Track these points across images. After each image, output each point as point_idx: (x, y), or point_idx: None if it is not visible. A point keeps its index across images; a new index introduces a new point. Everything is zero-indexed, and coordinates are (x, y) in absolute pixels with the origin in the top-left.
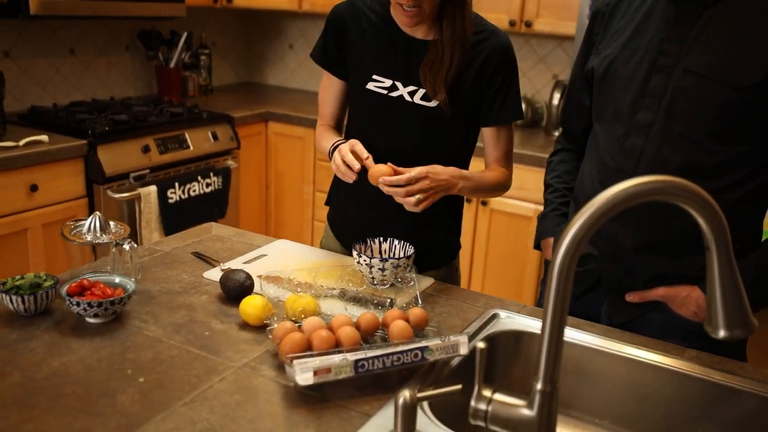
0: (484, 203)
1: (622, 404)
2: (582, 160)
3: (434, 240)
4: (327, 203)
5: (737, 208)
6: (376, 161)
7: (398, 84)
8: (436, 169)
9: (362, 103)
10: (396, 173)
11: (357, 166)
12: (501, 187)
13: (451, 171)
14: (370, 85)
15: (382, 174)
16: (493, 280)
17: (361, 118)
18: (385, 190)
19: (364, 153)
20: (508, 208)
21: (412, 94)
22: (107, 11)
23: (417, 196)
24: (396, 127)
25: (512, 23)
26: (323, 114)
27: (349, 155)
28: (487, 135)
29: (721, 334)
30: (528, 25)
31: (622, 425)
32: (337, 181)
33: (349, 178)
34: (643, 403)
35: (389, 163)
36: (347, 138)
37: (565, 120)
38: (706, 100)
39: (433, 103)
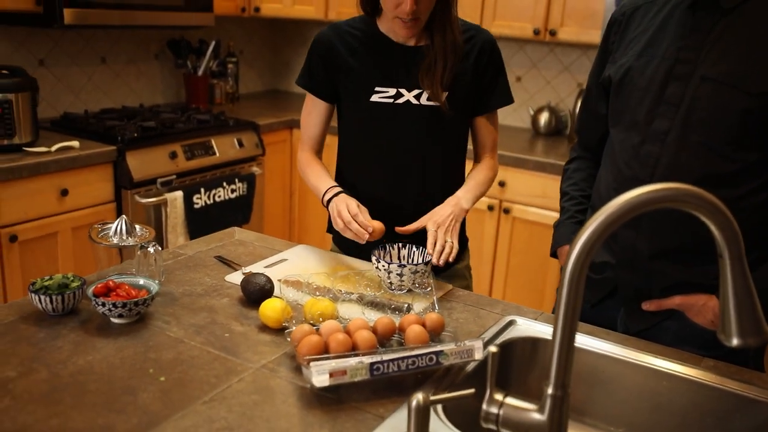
0: (507, 211)
1: (637, 412)
2: (597, 168)
3: None
4: (329, 231)
5: (756, 215)
6: (383, 171)
7: (403, 91)
8: (437, 212)
9: (364, 117)
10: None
11: (366, 236)
12: (492, 180)
13: (450, 203)
14: (375, 98)
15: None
16: (515, 288)
17: (361, 133)
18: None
19: (368, 227)
20: (531, 216)
21: (418, 97)
22: (138, 21)
23: (445, 246)
24: (401, 131)
25: (536, 32)
26: (308, 137)
27: (354, 224)
28: (480, 124)
29: (735, 342)
30: (552, 33)
31: None
32: None
33: (363, 239)
34: (658, 412)
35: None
36: (342, 156)
37: (581, 128)
38: (724, 108)
39: (438, 103)
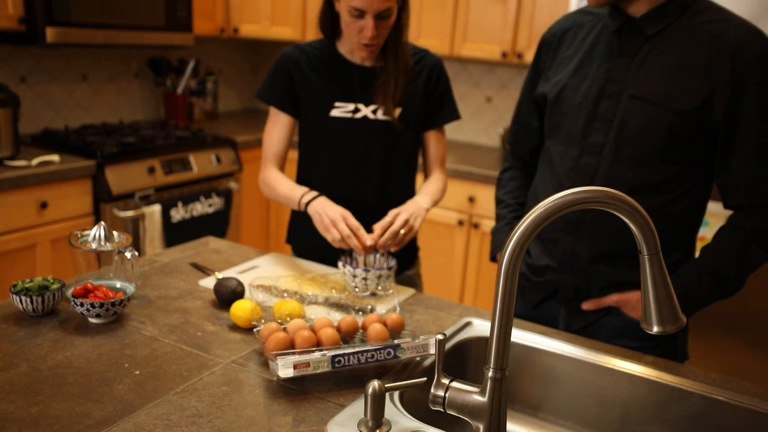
0: (476, 226)
1: (584, 406)
2: (530, 177)
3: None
4: (288, 241)
5: (678, 220)
6: (343, 181)
7: (360, 106)
8: (400, 209)
9: (324, 131)
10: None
11: (367, 243)
12: (443, 191)
13: (412, 203)
14: (335, 112)
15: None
16: (486, 301)
17: (322, 146)
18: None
19: (366, 241)
20: None
21: (375, 112)
22: (119, 40)
23: (401, 232)
24: (361, 144)
25: (504, 54)
26: (272, 153)
27: (353, 239)
28: (430, 138)
29: (655, 329)
30: (519, 56)
31: (584, 426)
32: (296, 219)
33: (359, 251)
34: (602, 405)
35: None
36: (303, 169)
37: (514, 140)
38: (652, 124)
39: (391, 118)
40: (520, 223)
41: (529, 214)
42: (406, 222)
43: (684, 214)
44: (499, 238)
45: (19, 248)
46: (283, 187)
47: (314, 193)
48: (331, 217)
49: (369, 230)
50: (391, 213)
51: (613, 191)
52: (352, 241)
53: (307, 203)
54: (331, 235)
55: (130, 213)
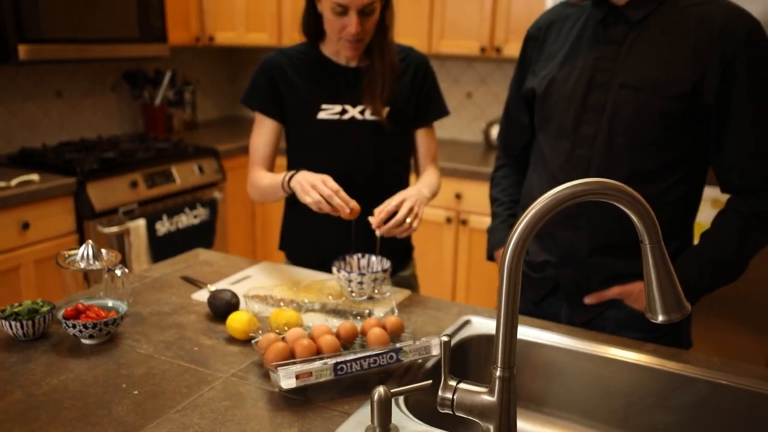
0: (464, 222)
1: (587, 398)
2: (522, 174)
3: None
4: (282, 248)
5: (676, 208)
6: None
7: (347, 107)
8: (404, 194)
9: (312, 134)
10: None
11: (347, 211)
12: (438, 185)
13: (414, 188)
14: (321, 114)
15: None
16: (477, 297)
17: (310, 149)
18: (383, 230)
19: (350, 202)
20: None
21: (362, 112)
22: (93, 54)
23: (408, 220)
24: (350, 146)
25: (483, 50)
26: (259, 158)
27: (335, 198)
28: (421, 136)
29: (660, 318)
30: (498, 50)
31: (588, 417)
32: (289, 224)
33: (344, 213)
34: (606, 396)
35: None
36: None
37: (505, 138)
38: (643, 112)
39: (379, 118)
40: (519, 221)
41: (528, 210)
42: (410, 209)
43: (680, 201)
44: (495, 237)
45: (3, 271)
46: (267, 179)
47: (295, 171)
48: (310, 181)
49: (364, 229)
50: (396, 197)
51: (611, 182)
52: (334, 200)
53: (289, 180)
54: (311, 197)
55: (114, 229)
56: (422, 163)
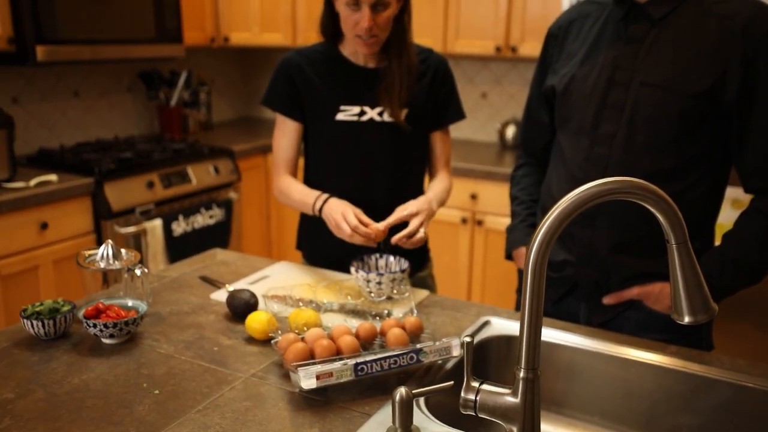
0: (480, 223)
1: (609, 400)
2: (543, 173)
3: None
4: (299, 247)
5: (697, 207)
6: (351, 185)
7: (366, 108)
8: (415, 209)
9: (331, 136)
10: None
11: (373, 235)
12: (449, 191)
13: (423, 199)
14: (340, 116)
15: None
16: (493, 297)
17: (328, 151)
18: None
19: (371, 234)
20: (503, 226)
21: (381, 114)
22: (109, 55)
23: (420, 232)
24: (368, 148)
25: (498, 49)
26: (283, 160)
27: (356, 236)
28: (436, 139)
29: (687, 319)
30: (513, 50)
31: (610, 420)
32: (306, 224)
33: (370, 242)
34: (629, 398)
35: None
36: (310, 174)
37: (525, 137)
38: (663, 110)
39: (397, 120)
40: (544, 220)
41: (552, 210)
42: (420, 224)
43: (701, 200)
44: (514, 236)
45: (22, 271)
46: (298, 193)
47: (324, 197)
48: (335, 219)
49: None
50: (406, 210)
51: (637, 180)
52: (361, 230)
53: (320, 209)
54: (343, 235)
55: (131, 229)
56: (435, 167)
